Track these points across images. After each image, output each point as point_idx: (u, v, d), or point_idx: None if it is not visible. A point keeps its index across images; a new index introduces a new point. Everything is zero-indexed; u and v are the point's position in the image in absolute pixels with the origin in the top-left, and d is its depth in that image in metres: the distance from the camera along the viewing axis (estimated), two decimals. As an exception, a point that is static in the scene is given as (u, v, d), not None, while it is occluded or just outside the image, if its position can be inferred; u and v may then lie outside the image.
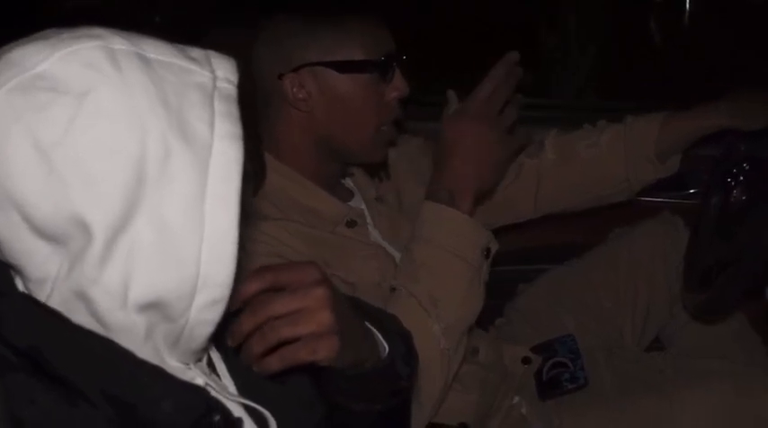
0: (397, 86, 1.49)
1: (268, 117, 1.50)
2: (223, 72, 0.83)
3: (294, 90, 1.45)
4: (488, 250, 1.47)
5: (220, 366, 0.97)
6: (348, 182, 1.64)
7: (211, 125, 0.79)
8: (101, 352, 0.81)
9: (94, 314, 0.79)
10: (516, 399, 1.70)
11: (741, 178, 1.61)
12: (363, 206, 1.60)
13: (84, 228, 0.76)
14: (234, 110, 0.81)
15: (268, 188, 1.46)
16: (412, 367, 1.07)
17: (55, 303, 0.80)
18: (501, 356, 1.72)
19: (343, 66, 1.45)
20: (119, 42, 0.79)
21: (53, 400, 0.79)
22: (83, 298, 0.79)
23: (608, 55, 3.21)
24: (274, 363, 0.93)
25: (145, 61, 0.79)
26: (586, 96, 3.19)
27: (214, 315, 0.82)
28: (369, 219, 1.59)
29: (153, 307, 0.80)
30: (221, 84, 0.82)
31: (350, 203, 1.58)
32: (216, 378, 0.95)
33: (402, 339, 1.08)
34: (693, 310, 1.77)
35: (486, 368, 1.65)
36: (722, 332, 1.88)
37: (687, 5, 2.58)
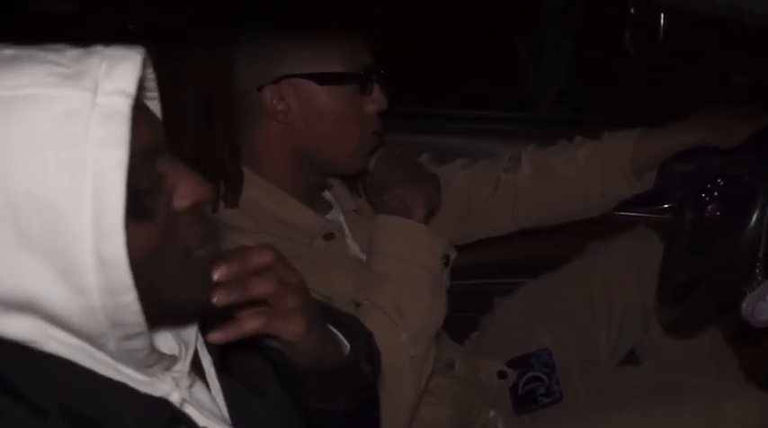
0: (376, 100, 1.49)
1: (247, 130, 1.50)
2: (113, 81, 0.74)
3: (274, 102, 1.45)
4: (447, 257, 1.49)
5: (210, 370, 0.97)
6: (327, 195, 1.63)
7: (84, 160, 0.72)
8: (61, 371, 0.81)
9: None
10: (492, 413, 1.70)
11: (715, 194, 1.63)
12: (342, 218, 1.60)
13: None
14: (117, 129, 0.73)
15: (245, 201, 1.46)
16: (374, 365, 1.09)
17: None
18: (476, 370, 1.73)
19: (323, 79, 1.45)
20: None
21: (21, 414, 0.78)
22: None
23: (583, 68, 3.23)
24: (251, 324, 0.93)
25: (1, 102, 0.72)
26: (562, 110, 3.20)
27: (139, 344, 0.82)
28: (347, 232, 1.59)
29: (76, 335, 0.79)
30: (105, 100, 0.73)
31: (328, 216, 1.58)
32: (200, 385, 0.95)
33: (363, 338, 1.10)
34: (667, 325, 1.78)
35: (461, 382, 1.66)
36: (696, 346, 1.89)
37: (662, 19, 2.59)
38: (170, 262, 0.82)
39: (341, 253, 1.54)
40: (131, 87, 0.75)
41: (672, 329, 1.81)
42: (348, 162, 1.53)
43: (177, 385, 0.89)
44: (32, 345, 0.79)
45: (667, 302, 1.68)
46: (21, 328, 0.77)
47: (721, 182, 1.63)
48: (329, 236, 1.53)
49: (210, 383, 0.97)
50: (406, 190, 1.51)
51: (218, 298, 0.88)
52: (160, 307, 0.81)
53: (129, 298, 0.76)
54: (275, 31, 1.47)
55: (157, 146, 0.81)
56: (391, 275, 1.45)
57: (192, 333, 0.95)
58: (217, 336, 0.92)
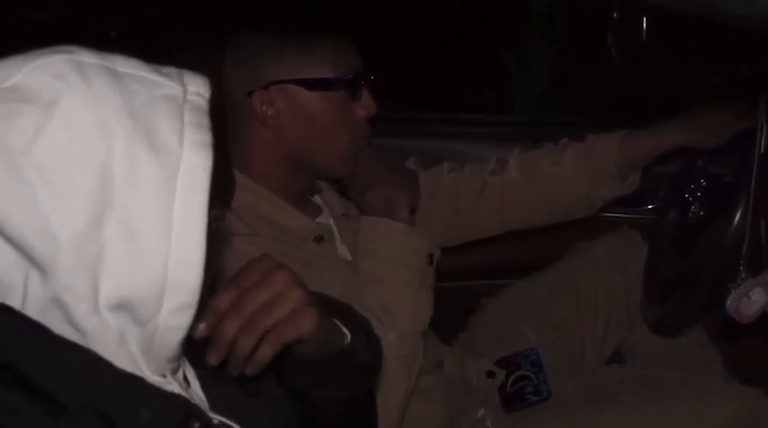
0: (365, 105, 1.51)
1: (237, 134, 1.51)
2: (194, 87, 0.85)
3: (263, 107, 1.46)
4: (431, 256, 1.51)
5: (194, 383, 0.98)
6: (317, 199, 1.65)
7: (180, 134, 0.80)
8: (79, 363, 0.81)
9: (71, 320, 0.80)
10: (481, 412, 1.71)
11: (698, 194, 1.65)
12: (331, 222, 1.62)
13: (52, 236, 0.77)
14: (204, 120, 0.83)
15: (236, 204, 1.46)
16: (374, 352, 1.10)
17: (32, 312, 0.80)
18: (465, 370, 1.74)
19: (312, 84, 1.46)
20: (88, 56, 0.81)
21: (35, 412, 0.79)
22: (58, 304, 0.80)
23: (568, 72, 3.26)
24: (266, 351, 0.95)
25: (113, 74, 0.80)
26: (548, 113, 3.23)
27: (183, 319, 0.84)
28: (336, 235, 1.60)
29: (122, 308, 0.81)
30: (192, 97, 0.83)
31: (318, 219, 1.59)
32: (194, 388, 0.96)
33: (362, 326, 1.11)
34: (652, 323, 1.80)
35: (450, 381, 1.67)
36: (681, 343, 1.91)
37: (644, 22, 2.60)
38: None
39: (331, 255, 1.56)
40: (207, 93, 0.86)
41: (657, 327, 1.83)
42: (338, 166, 1.55)
43: (181, 385, 0.91)
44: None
45: (652, 300, 1.70)
46: (80, 286, 0.79)
47: (704, 183, 1.65)
48: (319, 239, 1.54)
49: (195, 391, 0.98)
50: (388, 189, 1.53)
51: (213, 357, 0.95)
52: None
53: (197, 256, 0.81)
54: (264, 36, 1.48)
55: None
56: (377, 275, 1.47)
57: None
58: (237, 372, 0.96)
